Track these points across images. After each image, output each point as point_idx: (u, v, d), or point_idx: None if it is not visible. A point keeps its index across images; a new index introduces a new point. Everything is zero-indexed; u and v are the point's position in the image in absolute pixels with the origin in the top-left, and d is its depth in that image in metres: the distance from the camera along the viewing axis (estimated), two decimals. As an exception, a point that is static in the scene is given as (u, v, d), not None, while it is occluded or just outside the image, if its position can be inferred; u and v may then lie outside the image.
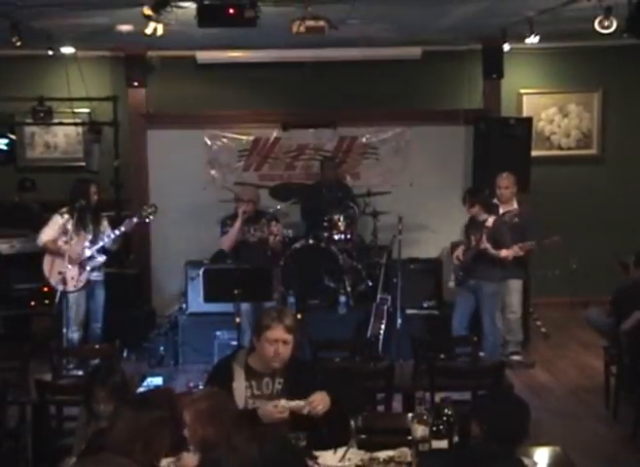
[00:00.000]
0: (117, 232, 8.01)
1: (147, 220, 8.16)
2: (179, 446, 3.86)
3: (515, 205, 8.33)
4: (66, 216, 7.98)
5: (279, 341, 4.29)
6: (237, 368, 4.38)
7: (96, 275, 8.10)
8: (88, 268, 7.97)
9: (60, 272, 7.75)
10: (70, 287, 7.83)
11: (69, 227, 7.93)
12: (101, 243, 7.99)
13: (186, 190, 10.00)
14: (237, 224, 8.16)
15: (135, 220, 8.05)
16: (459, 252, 7.97)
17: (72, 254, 7.84)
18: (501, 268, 7.85)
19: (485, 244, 7.65)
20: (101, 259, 8.07)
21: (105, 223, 8.20)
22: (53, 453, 5.16)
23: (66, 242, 7.89)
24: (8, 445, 5.56)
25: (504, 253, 7.74)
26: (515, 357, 8.33)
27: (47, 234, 7.99)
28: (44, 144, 10.91)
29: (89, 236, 8.01)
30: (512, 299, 8.31)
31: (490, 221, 7.72)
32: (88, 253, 7.96)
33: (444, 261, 9.10)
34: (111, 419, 3.50)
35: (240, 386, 4.33)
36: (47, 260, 8.02)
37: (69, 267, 7.86)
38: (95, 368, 5.49)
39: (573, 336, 9.31)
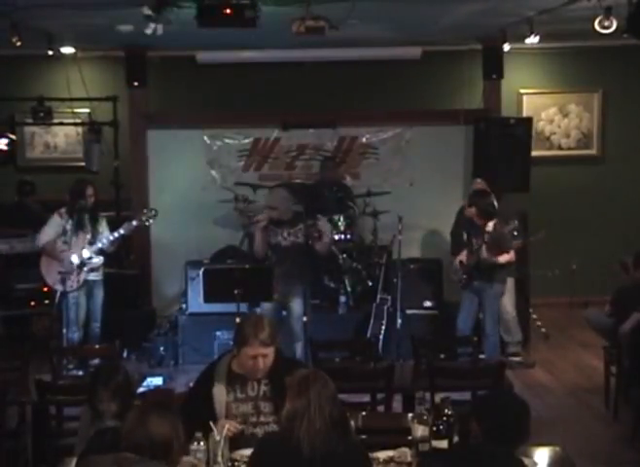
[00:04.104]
0: (115, 234, 7.99)
1: (147, 224, 8.17)
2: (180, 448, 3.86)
3: None
4: (65, 216, 7.99)
5: (258, 356, 4.28)
6: (219, 374, 4.39)
7: (95, 275, 8.10)
8: (85, 269, 7.97)
9: (60, 272, 7.78)
10: (67, 287, 7.84)
11: (68, 227, 7.94)
12: (99, 245, 7.97)
13: (186, 190, 9.98)
14: (257, 235, 7.47)
15: (135, 223, 8.03)
16: (462, 256, 7.90)
17: (68, 260, 7.86)
18: (504, 268, 7.81)
19: (484, 254, 7.56)
20: (98, 260, 8.06)
21: (104, 224, 8.18)
22: (53, 453, 5.16)
23: (65, 242, 7.90)
24: (8, 445, 5.56)
25: (504, 258, 7.66)
26: (515, 358, 8.31)
27: (46, 235, 7.98)
28: (44, 144, 10.93)
29: (88, 237, 8.00)
30: (504, 298, 8.17)
31: (490, 225, 7.67)
32: (86, 254, 7.96)
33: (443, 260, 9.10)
34: (135, 425, 3.44)
35: (220, 392, 4.35)
36: (43, 261, 8.03)
37: (63, 270, 7.87)
38: (98, 367, 5.49)
39: (573, 336, 9.31)
